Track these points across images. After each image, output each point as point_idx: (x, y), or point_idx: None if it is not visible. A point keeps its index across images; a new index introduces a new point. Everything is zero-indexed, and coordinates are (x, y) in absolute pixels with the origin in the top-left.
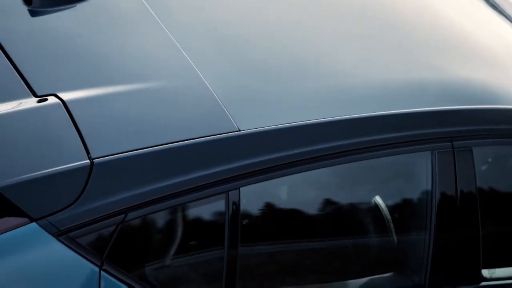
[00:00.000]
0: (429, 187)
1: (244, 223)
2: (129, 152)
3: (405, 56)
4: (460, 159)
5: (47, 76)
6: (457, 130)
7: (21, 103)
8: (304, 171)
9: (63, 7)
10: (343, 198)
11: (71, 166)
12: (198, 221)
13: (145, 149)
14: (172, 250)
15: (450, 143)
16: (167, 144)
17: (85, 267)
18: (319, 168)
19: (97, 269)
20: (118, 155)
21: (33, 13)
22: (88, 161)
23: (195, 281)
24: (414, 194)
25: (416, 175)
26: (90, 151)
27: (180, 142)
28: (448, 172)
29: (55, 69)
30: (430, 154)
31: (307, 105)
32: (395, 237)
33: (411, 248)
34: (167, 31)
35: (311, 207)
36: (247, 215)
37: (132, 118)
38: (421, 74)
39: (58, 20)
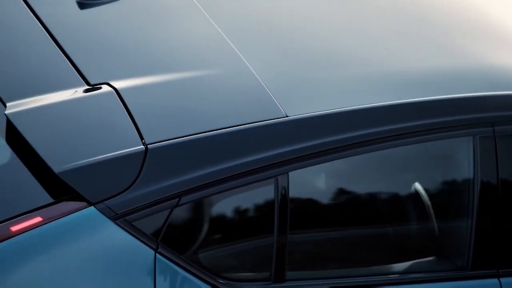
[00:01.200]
0: (471, 172)
1: (292, 206)
2: (181, 138)
3: (443, 45)
4: (502, 144)
5: (99, 66)
6: (498, 115)
7: (76, 91)
8: (348, 156)
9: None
10: (386, 183)
11: (126, 151)
12: (248, 205)
13: (196, 135)
14: (223, 234)
15: (492, 128)
16: (218, 130)
17: (141, 249)
18: (362, 153)
19: (152, 252)
20: (171, 140)
21: (83, 6)
22: (142, 146)
23: (245, 264)
24: (456, 179)
25: (458, 160)
26: (144, 137)
27: (231, 128)
28: (490, 157)
29: (105, 59)
30: (472, 139)
31: (348, 91)
32: (437, 222)
33: (454, 233)
34: (212, 21)
35: (355, 191)
36: (295, 199)
37: (183, 105)
38: (460, 61)
39: (106, 12)
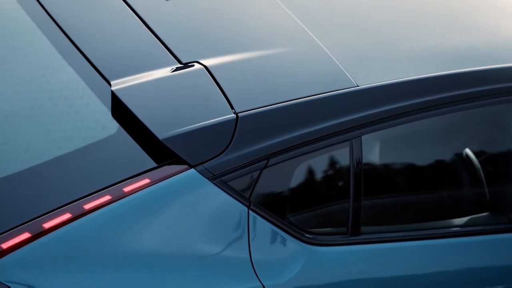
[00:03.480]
0: None
1: (365, 167)
2: (266, 107)
3: (487, 21)
4: None
5: (187, 47)
6: None
7: (172, 68)
8: (415, 121)
9: None
10: (448, 145)
11: (220, 119)
12: (326, 166)
13: (280, 104)
14: (306, 192)
15: None
16: (298, 99)
17: (236, 207)
18: (428, 117)
19: (246, 208)
20: (258, 109)
21: None
22: (233, 115)
23: (325, 220)
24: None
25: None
26: (234, 106)
27: (309, 97)
28: None
29: (191, 40)
30: None
31: (411, 62)
32: (492, 181)
33: (507, 191)
34: (280, 3)
35: (420, 153)
36: (368, 161)
37: (266, 78)
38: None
39: None
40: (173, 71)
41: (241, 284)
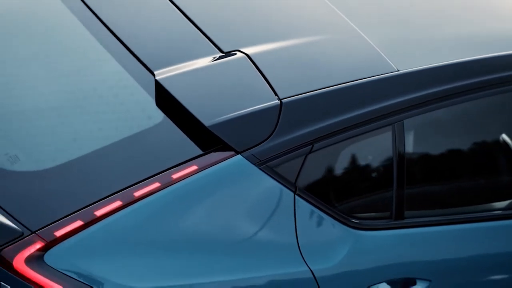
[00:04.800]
0: None
1: (407, 151)
2: (309, 92)
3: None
4: None
5: (226, 36)
6: None
7: (214, 57)
8: (453, 105)
9: None
10: (488, 128)
11: (264, 105)
12: (369, 150)
13: (322, 89)
14: (350, 177)
15: None
16: (339, 84)
17: (282, 192)
18: (466, 101)
19: (292, 194)
20: (301, 95)
21: None
22: (277, 101)
23: (368, 207)
24: None
25: None
26: (278, 93)
27: (351, 82)
28: None
29: (231, 30)
30: None
31: (448, 47)
32: None
33: None
34: None
35: (463, 137)
36: (410, 144)
37: (307, 65)
38: None
39: None
40: (215, 60)
41: (288, 268)
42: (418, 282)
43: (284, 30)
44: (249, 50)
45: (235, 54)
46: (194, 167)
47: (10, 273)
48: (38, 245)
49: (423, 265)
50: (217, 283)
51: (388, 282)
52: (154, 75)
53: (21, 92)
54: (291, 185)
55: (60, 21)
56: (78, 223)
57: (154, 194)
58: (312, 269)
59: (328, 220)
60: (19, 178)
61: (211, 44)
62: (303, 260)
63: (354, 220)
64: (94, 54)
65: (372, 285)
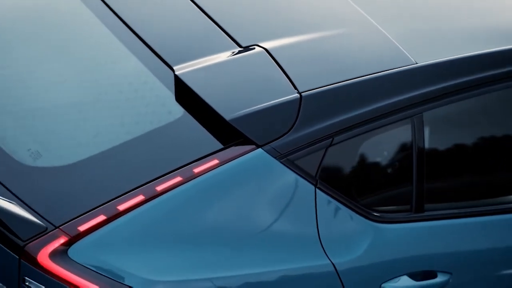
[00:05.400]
0: None
1: (427, 143)
2: (329, 86)
3: None
4: None
5: (245, 31)
6: None
7: (233, 52)
8: (472, 97)
9: None
10: (508, 120)
11: (284, 99)
12: (389, 143)
13: (341, 82)
14: (371, 170)
15: None
16: (358, 78)
17: (303, 185)
18: (486, 93)
19: (312, 187)
20: (320, 88)
21: None
22: (297, 94)
23: (388, 200)
24: None
25: None
26: (297, 86)
27: (370, 75)
28: None
29: (248, 25)
30: None
31: (466, 40)
32: None
33: None
34: None
35: (482, 129)
36: (430, 137)
37: (325, 58)
38: None
39: None
40: (234, 55)
41: (310, 261)
42: (438, 274)
43: (302, 24)
44: (267, 45)
45: (254, 48)
46: (215, 161)
47: (35, 268)
48: (62, 240)
49: (443, 258)
50: (240, 276)
51: (409, 275)
52: (173, 70)
53: (41, 89)
54: (312, 178)
55: (80, 19)
56: (101, 217)
57: (176, 188)
58: (333, 262)
59: (348, 213)
60: (42, 174)
61: (230, 39)
62: (324, 254)
63: (374, 213)
64: (113, 51)
65: (393, 278)
